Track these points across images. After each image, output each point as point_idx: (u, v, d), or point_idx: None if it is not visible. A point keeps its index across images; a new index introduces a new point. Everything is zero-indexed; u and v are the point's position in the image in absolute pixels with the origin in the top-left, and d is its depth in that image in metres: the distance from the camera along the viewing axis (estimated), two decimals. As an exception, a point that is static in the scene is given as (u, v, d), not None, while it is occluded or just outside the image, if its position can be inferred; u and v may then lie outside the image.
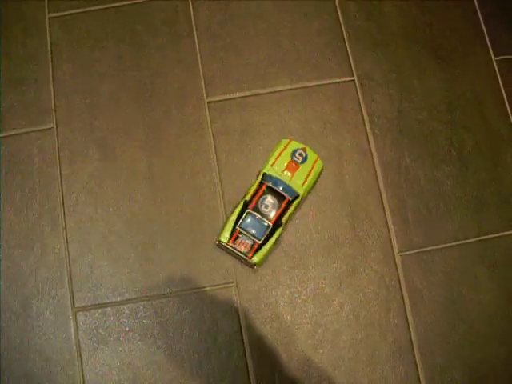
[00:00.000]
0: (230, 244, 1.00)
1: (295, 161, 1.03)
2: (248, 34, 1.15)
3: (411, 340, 1.01)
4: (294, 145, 1.05)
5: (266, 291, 1.02)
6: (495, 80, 1.13)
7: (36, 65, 1.14)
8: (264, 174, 1.03)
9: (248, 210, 1.01)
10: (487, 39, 1.16)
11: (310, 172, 1.03)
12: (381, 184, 1.07)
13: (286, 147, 1.05)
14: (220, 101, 1.11)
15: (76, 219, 1.05)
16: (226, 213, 1.05)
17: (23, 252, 1.04)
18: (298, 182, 1.02)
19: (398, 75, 1.13)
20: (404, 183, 1.07)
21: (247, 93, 1.11)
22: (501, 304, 1.03)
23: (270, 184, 1.02)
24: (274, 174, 1.02)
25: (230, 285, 1.02)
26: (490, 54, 1.15)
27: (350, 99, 1.11)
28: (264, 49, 1.14)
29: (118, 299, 1.02)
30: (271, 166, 1.03)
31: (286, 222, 1.03)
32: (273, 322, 1.01)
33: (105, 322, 1.01)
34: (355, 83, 1.12)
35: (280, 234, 1.02)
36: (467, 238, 1.05)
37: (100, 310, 1.02)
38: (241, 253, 1.00)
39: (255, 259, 1.00)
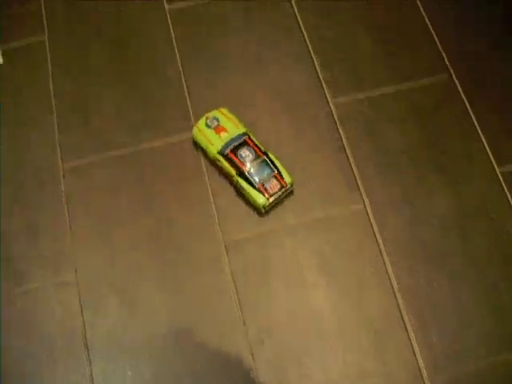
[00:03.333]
0: (271, 198, 1.12)
1: (214, 126, 1.17)
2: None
3: None
4: (202, 122, 1.18)
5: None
6: (501, 190, 1.16)
7: (52, 215, 1.16)
8: (218, 153, 1.15)
9: (246, 171, 1.13)
10: (488, 149, 1.19)
11: (229, 119, 1.18)
12: (402, 308, 1.08)
13: (200, 130, 1.18)
14: (237, 240, 1.13)
15: (102, 368, 1.06)
16: (252, 354, 1.06)
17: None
18: (234, 130, 1.17)
19: (406, 196, 1.16)
20: (425, 305, 1.08)
21: (264, 228, 1.14)
22: None
23: (229, 149, 1.14)
24: (221, 145, 1.15)
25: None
26: (492, 164, 1.18)
27: (362, 226, 1.14)
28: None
29: None
30: (212, 145, 1.16)
31: (265, 148, 1.17)
32: None
33: None
34: (366, 210, 1.15)
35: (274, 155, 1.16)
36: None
37: None
38: (280, 190, 1.12)
39: (288, 180, 1.13)
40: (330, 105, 1.24)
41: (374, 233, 1.13)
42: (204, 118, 1.18)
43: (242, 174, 1.13)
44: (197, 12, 1.35)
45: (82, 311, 1.09)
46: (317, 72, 1.28)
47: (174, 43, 1.32)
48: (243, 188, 1.13)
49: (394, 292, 1.09)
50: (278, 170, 1.13)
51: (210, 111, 1.20)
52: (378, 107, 1.23)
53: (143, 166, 1.20)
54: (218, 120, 1.17)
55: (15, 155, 1.22)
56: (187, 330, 1.07)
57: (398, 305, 1.08)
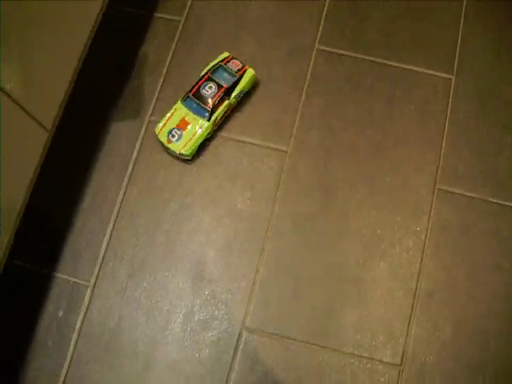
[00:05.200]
0: (249, 66, 1.19)
1: (179, 130, 1.15)
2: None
3: None
4: (174, 146, 1.15)
5: None
6: None
7: (288, 91, 1.20)
8: (213, 120, 1.15)
9: (226, 87, 1.16)
10: None
11: (172, 114, 1.17)
12: None
13: (186, 145, 1.15)
14: (451, 192, 1.12)
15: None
16: (414, 305, 1.06)
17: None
18: (185, 108, 1.17)
19: None
20: None
21: (477, 193, 1.12)
22: None
23: (208, 106, 1.15)
24: (202, 119, 1.16)
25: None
26: None
27: None
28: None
29: None
30: (205, 127, 1.15)
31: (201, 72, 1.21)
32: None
33: None
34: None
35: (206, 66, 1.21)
36: None
37: None
38: (241, 62, 1.20)
39: (227, 54, 1.21)
40: None
41: None
42: (168, 144, 1.15)
43: (229, 91, 1.17)
44: None
45: (280, 187, 1.13)
46: None
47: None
48: (241, 89, 1.18)
49: None
50: (221, 61, 1.20)
51: (158, 138, 1.17)
52: None
53: (391, 83, 1.20)
54: (173, 128, 1.16)
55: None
56: (371, 247, 1.09)
57: None
